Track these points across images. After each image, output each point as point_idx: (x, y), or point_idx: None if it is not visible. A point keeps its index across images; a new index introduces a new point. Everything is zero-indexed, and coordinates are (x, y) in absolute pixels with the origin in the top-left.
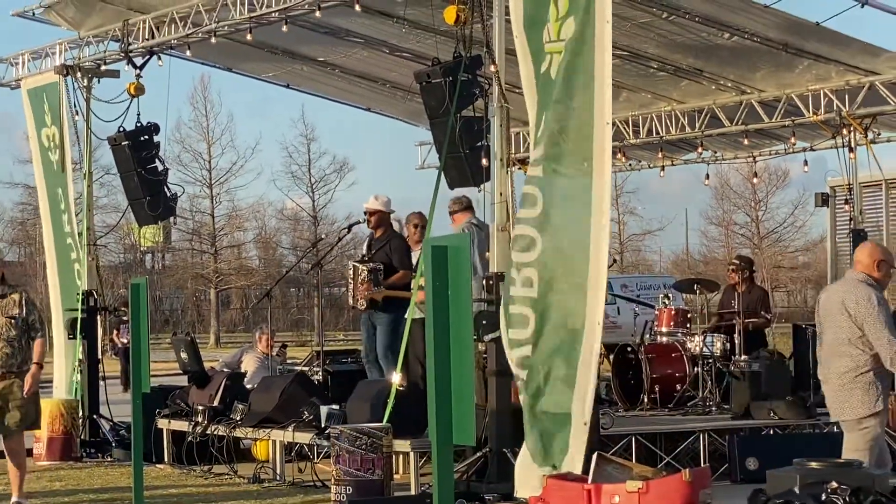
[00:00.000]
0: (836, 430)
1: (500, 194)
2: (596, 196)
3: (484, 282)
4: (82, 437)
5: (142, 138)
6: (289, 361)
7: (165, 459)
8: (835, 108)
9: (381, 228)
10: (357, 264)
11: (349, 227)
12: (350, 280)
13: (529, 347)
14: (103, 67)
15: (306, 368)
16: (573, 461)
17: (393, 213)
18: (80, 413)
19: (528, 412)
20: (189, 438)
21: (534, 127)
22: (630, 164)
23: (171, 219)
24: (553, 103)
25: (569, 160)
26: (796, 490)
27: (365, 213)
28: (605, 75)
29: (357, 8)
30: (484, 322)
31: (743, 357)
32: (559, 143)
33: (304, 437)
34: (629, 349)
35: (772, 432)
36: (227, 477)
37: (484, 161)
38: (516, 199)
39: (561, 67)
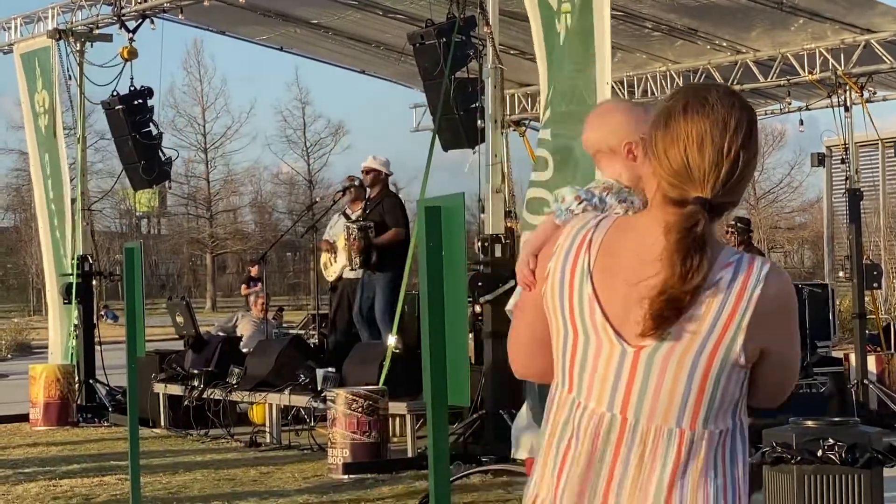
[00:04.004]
0: (832, 389)
1: (495, 156)
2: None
3: (479, 243)
4: (79, 401)
5: (135, 102)
6: (285, 325)
7: (162, 424)
8: (830, 67)
9: (376, 188)
10: (348, 224)
11: (344, 191)
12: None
13: None
14: (96, 31)
15: (302, 332)
16: None
17: (391, 174)
18: (77, 378)
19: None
20: (185, 402)
21: (544, 88)
22: None
23: (166, 183)
24: (559, 65)
25: (573, 122)
26: (793, 446)
27: (362, 171)
28: (604, 36)
29: None
30: (479, 284)
31: None
32: (564, 105)
33: (300, 401)
34: None
35: None
36: (223, 441)
37: (479, 122)
38: (511, 160)
39: (568, 29)
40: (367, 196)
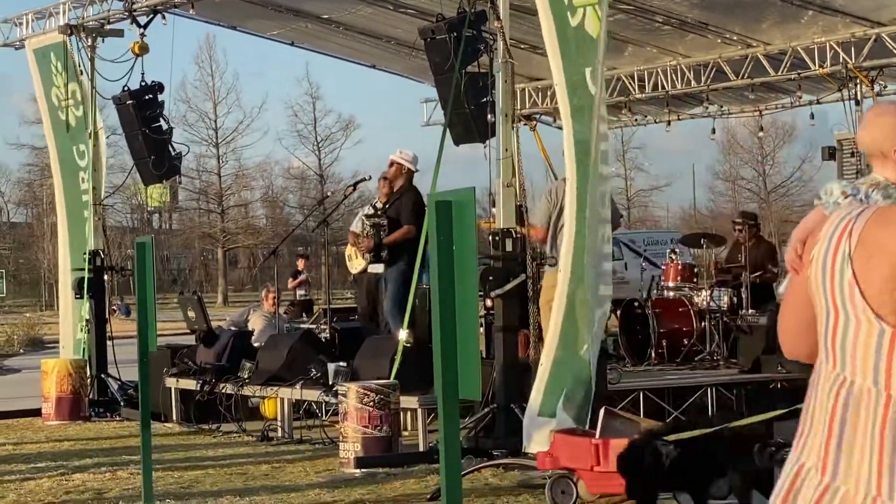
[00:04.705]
0: None
1: (506, 150)
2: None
3: (491, 238)
4: (90, 396)
5: (146, 97)
6: (296, 319)
7: (174, 418)
8: (841, 60)
9: (398, 181)
10: (364, 218)
11: (355, 185)
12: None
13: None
14: (107, 27)
15: (313, 326)
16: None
17: (417, 171)
18: (89, 372)
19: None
20: (197, 397)
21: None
22: (636, 119)
23: (177, 178)
24: (595, 61)
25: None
26: None
27: (390, 163)
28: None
29: None
30: (490, 278)
31: (750, 311)
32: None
33: (311, 395)
34: (636, 304)
35: (779, 386)
36: (235, 435)
37: (489, 117)
38: (521, 154)
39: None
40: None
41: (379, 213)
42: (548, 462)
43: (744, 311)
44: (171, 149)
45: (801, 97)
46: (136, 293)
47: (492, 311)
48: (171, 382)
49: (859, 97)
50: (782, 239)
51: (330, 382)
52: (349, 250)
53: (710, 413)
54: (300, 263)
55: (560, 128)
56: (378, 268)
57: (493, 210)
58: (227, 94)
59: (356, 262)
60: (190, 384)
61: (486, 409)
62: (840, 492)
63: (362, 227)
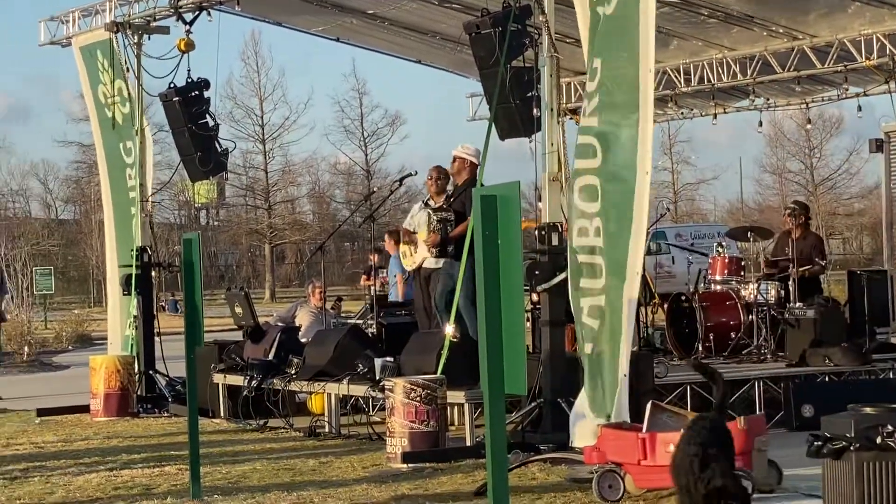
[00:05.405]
0: (891, 376)
1: (552, 144)
2: (641, 147)
3: (537, 232)
4: (139, 392)
5: (192, 94)
6: (343, 314)
7: (221, 414)
8: (888, 52)
9: (461, 176)
10: (430, 212)
11: (401, 180)
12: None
13: (603, 297)
14: (153, 24)
15: (360, 321)
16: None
17: (480, 164)
18: (136, 369)
19: (593, 361)
20: (244, 393)
21: (590, 73)
22: (682, 113)
23: (224, 174)
24: (606, 52)
25: (621, 111)
26: (851, 434)
27: (452, 159)
28: (649, 20)
29: None
30: (536, 272)
31: (798, 304)
32: (611, 93)
33: (358, 390)
34: (683, 298)
35: (827, 379)
36: (282, 431)
37: (535, 111)
38: (567, 148)
39: (614, 15)
40: (454, 185)
41: (444, 207)
42: (595, 456)
43: (791, 303)
44: (217, 145)
45: (847, 89)
46: (183, 289)
47: (538, 306)
48: (218, 378)
49: None
50: (829, 232)
51: (377, 377)
52: (403, 247)
53: (757, 406)
54: (374, 258)
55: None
56: (432, 262)
57: (539, 205)
58: (273, 91)
59: (410, 260)
60: (237, 380)
61: (532, 404)
62: None
63: (428, 221)
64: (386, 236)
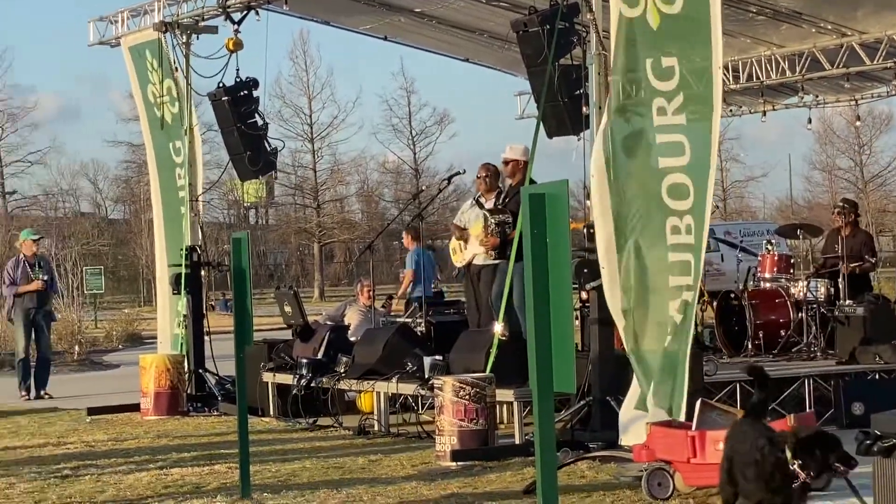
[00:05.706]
0: None
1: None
2: (713, 144)
3: (585, 231)
4: (188, 391)
5: (241, 93)
6: (392, 313)
7: (271, 412)
8: None
9: (516, 177)
10: (487, 214)
11: (449, 179)
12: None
13: (692, 293)
14: (201, 23)
15: (409, 320)
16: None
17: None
18: (186, 367)
19: (669, 356)
20: (294, 391)
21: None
22: (731, 110)
23: (273, 173)
24: (680, 50)
25: (705, 107)
26: None
27: (502, 162)
28: (717, 18)
29: None
30: (585, 270)
31: (847, 302)
32: (694, 89)
33: (407, 389)
34: (733, 296)
35: (877, 377)
36: (331, 429)
37: (583, 109)
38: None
39: (682, 14)
40: (505, 185)
41: (501, 208)
42: (644, 454)
43: (841, 301)
44: (266, 144)
45: None
46: (232, 289)
47: (587, 304)
48: (268, 377)
49: None
50: (879, 229)
51: (426, 376)
52: (453, 243)
53: (807, 404)
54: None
55: None
56: (482, 259)
57: (588, 203)
58: (322, 90)
59: (460, 256)
60: (287, 379)
61: (581, 402)
62: None
63: (485, 223)
64: (404, 233)
